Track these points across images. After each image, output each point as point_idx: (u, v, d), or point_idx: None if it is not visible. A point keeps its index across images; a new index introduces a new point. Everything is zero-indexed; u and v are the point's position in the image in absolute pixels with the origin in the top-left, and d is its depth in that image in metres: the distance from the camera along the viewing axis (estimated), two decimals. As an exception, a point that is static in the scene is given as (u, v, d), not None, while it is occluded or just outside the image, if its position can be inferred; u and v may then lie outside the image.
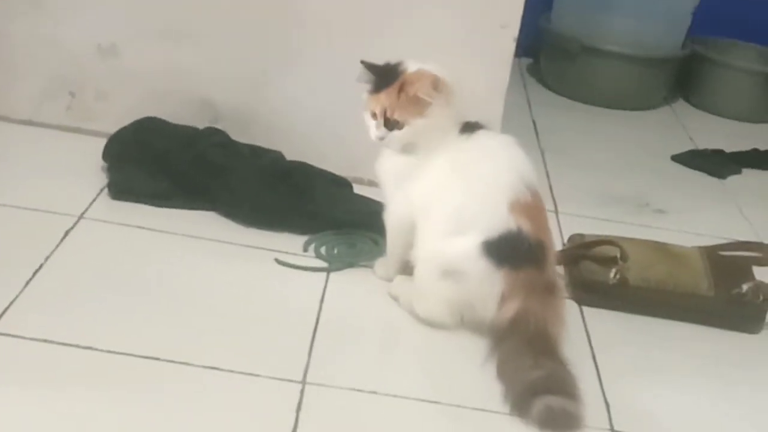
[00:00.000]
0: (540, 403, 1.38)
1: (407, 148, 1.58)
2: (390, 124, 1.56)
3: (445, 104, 1.56)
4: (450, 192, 1.55)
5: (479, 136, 1.60)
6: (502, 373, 1.47)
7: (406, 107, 1.55)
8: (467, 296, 1.56)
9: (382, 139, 1.58)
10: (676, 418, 1.49)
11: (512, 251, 1.52)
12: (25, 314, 1.47)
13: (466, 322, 1.59)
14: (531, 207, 1.55)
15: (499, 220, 1.52)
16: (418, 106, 1.55)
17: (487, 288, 1.53)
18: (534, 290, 1.52)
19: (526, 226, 1.53)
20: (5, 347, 1.39)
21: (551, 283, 1.57)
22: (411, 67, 1.58)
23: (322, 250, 1.80)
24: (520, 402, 1.41)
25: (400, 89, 1.55)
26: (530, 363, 1.44)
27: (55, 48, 2.07)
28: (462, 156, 1.57)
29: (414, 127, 1.56)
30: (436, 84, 1.54)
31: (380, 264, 1.74)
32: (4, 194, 1.80)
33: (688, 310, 1.78)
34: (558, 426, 1.38)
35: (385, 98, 1.56)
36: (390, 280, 1.70)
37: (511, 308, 1.51)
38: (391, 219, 1.65)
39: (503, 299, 1.53)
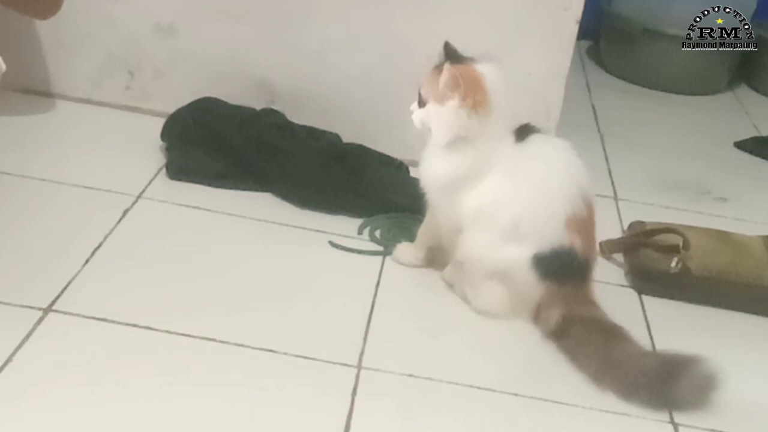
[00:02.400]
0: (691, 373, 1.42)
1: (424, 129, 1.55)
2: (420, 101, 1.55)
3: (464, 107, 1.49)
4: (508, 201, 1.52)
5: (534, 141, 1.55)
6: (607, 359, 1.46)
7: (431, 87, 1.52)
8: (510, 296, 1.56)
9: (412, 112, 1.56)
10: (737, 410, 1.46)
11: (560, 267, 1.52)
12: (84, 293, 1.48)
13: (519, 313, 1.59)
14: (585, 222, 1.53)
15: (554, 236, 1.51)
16: (438, 91, 1.50)
17: (527, 295, 1.55)
18: (574, 301, 1.53)
19: (578, 243, 1.52)
20: (64, 325, 1.41)
21: (589, 297, 1.57)
22: (478, 66, 1.52)
23: (377, 233, 1.79)
24: (661, 379, 1.41)
25: (440, 72, 1.52)
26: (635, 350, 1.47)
27: (114, 27, 2.08)
28: (519, 165, 1.53)
29: (430, 109, 1.52)
30: (452, 82, 1.48)
31: (404, 250, 1.71)
32: (63, 173, 1.82)
33: (750, 300, 1.74)
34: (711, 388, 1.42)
35: (427, 75, 1.54)
36: (416, 265, 1.70)
37: (554, 314, 1.52)
38: (445, 225, 1.61)
39: (540, 308, 1.55)
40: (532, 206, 1.51)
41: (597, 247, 1.59)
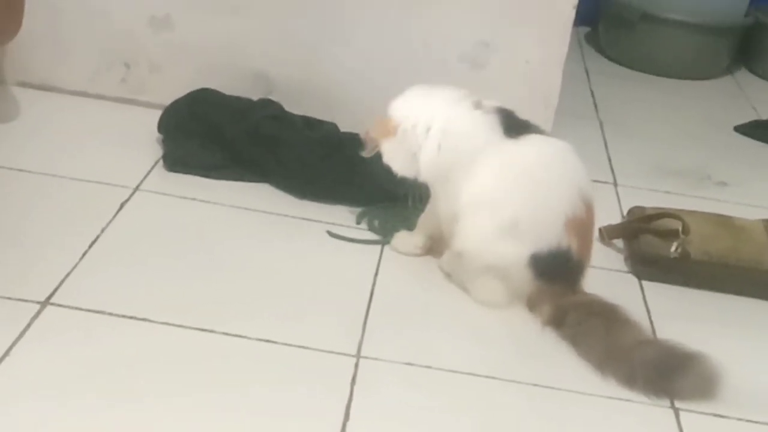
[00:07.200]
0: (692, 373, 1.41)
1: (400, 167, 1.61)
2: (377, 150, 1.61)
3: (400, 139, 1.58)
4: (510, 200, 1.52)
5: (534, 140, 1.55)
6: (609, 350, 1.46)
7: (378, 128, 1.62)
8: (506, 288, 1.57)
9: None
10: (739, 395, 1.45)
11: (555, 268, 1.53)
12: (82, 285, 1.48)
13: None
14: (583, 224, 1.54)
15: (553, 237, 1.51)
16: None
17: (521, 290, 1.56)
18: (563, 296, 1.54)
19: (575, 246, 1.52)
20: (62, 318, 1.40)
21: (579, 291, 1.57)
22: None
23: (375, 222, 1.79)
24: (662, 374, 1.41)
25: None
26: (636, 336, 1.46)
27: (110, 19, 2.07)
28: (521, 164, 1.53)
29: (385, 149, 1.60)
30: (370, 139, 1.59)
31: (403, 239, 1.71)
32: (60, 166, 1.81)
33: (751, 284, 1.73)
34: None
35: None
36: (414, 253, 1.70)
37: (546, 309, 1.53)
38: (444, 213, 1.62)
39: (532, 302, 1.56)
40: (534, 206, 1.51)
41: (592, 250, 1.60)
